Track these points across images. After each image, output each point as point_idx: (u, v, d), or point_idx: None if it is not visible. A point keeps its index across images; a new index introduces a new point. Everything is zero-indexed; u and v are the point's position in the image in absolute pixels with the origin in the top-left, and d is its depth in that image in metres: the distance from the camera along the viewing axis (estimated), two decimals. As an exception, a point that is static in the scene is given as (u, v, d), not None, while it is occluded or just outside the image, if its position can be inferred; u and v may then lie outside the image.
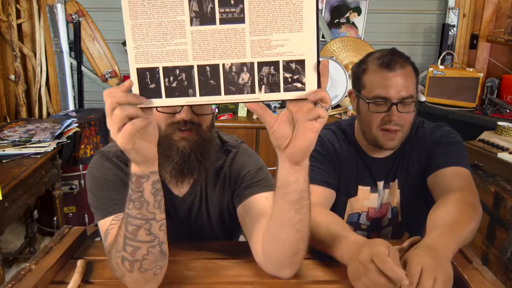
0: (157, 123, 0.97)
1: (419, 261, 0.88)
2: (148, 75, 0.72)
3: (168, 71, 0.72)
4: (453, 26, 3.04)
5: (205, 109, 1.01)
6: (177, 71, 0.72)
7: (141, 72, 0.72)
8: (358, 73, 1.31)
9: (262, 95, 0.73)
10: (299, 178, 0.82)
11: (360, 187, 1.37)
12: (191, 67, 0.72)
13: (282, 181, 0.84)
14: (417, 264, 0.87)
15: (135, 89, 0.72)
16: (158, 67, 0.72)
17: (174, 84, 0.72)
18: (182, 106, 0.95)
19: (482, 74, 2.68)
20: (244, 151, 1.15)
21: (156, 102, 0.73)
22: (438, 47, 3.11)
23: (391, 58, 1.23)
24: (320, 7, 3.06)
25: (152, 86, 0.72)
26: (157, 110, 0.95)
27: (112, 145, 1.09)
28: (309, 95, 0.73)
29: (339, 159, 1.35)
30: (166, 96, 0.73)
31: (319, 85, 0.73)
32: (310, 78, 0.73)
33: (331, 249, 1.01)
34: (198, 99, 0.73)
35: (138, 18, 0.70)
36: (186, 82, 0.72)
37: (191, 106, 0.96)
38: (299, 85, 0.73)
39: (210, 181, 1.13)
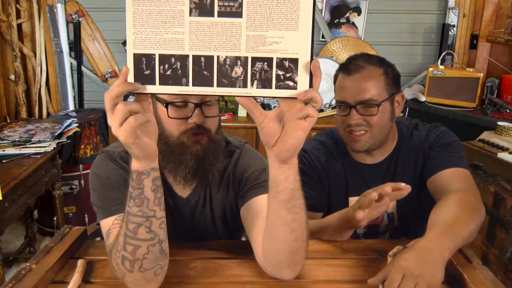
0: (169, 131, 0.98)
1: (403, 267, 0.88)
2: (144, 61, 0.74)
3: (164, 58, 0.73)
4: (453, 26, 3.04)
5: (213, 111, 1.01)
6: (173, 60, 0.73)
7: (137, 57, 0.74)
8: (334, 82, 1.35)
9: (253, 90, 0.74)
10: (288, 176, 0.82)
11: (351, 199, 1.35)
12: (187, 56, 0.73)
13: (272, 180, 0.84)
14: (399, 271, 0.87)
15: (130, 75, 0.74)
16: (154, 54, 0.73)
17: (168, 72, 0.74)
18: (193, 110, 0.97)
19: (482, 74, 2.68)
20: (248, 152, 1.16)
21: (149, 88, 0.74)
22: (438, 47, 3.11)
23: (349, 62, 1.28)
24: (320, 7, 3.06)
25: (147, 72, 0.74)
26: (168, 116, 0.97)
27: (116, 146, 1.09)
28: (300, 95, 0.73)
29: (327, 173, 1.35)
30: (160, 84, 0.74)
31: (311, 85, 0.74)
32: (302, 77, 0.73)
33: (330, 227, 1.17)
34: (190, 89, 0.74)
35: (140, 5, 0.72)
36: (180, 71, 0.74)
37: (201, 110, 0.97)
38: (291, 83, 0.74)
39: (214, 182, 1.13)
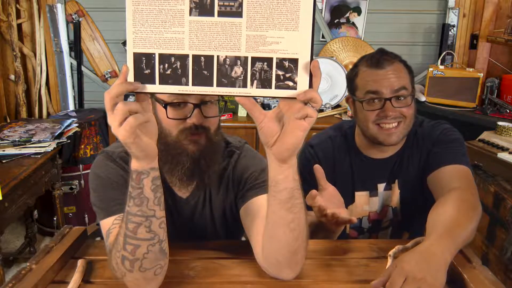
0: (168, 130, 0.98)
1: (405, 270, 0.87)
2: (144, 60, 0.74)
3: (163, 58, 0.73)
4: (453, 26, 3.04)
5: (213, 111, 1.01)
6: (173, 59, 0.73)
7: (137, 56, 0.74)
8: (351, 77, 1.33)
9: (253, 90, 0.74)
10: (287, 176, 0.83)
11: (357, 193, 1.37)
12: (186, 56, 0.73)
13: (271, 179, 0.84)
14: (401, 274, 0.87)
15: (130, 74, 0.74)
16: (154, 53, 0.73)
17: (168, 72, 0.74)
18: (192, 111, 0.96)
19: (482, 74, 2.68)
20: (247, 152, 1.16)
21: (149, 88, 0.75)
22: (438, 47, 3.11)
23: (379, 58, 1.26)
24: (320, 7, 3.06)
25: (147, 71, 0.74)
26: (167, 116, 0.96)
27: (116, 146, 1.09)
28: (299, 95, 0.73)
29: (333, 168, 1.35)
30: (160, 83, 0.74)
31: (310, 85, 0.74)
32: (302, 77, 0.73)
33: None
34: (190, 88, 0.74)
35: (139, 4, 0.72)
36: (180, 70, 0.74)
37: (200, 110, 0.97)
38: (290, 83, 0.74)
39: (213, 183, 1.12)
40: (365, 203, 1.37)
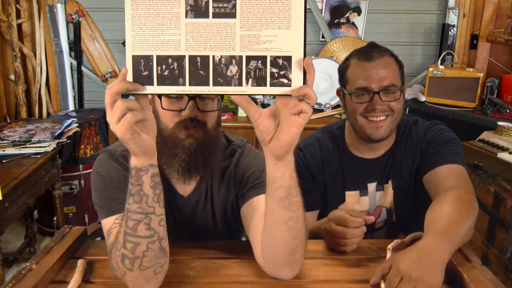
0: (164, 123, 0.99)
1: (401, 270, 0.88)
2: (142, 63, 0.76)
3: (161, 59, 0.75)
4: (453, 26, 3.04)
5: (210, 106, 1.01)
6: (170, 60, 0.76)
7: (136, 59, 0.76)
8: (342, 70, 1.34)
9: (248, 88, 0.76)
10: (284, 174, 0.83)
11: (347, 193, 1.36)
12: (183, 57, 0.75)
13: (268, 177, 0.85)
14: (397, 275, 0.88)
15: (129, 76, 0.76)
16: (152, 56, 0.76)
17: (166, 73, 0.76)
18: (187, 103, 0.98)
19: (482, 74, 2.68)
20: (249, 152, 1.16)
21: (148, 89, 0.76)
22: (438, 47, 3.11)
23: (368, 50, 1.27)
24: (320, 7, 3.06)
25: (145, 73, 0.76)
26: (162, 107, 0.97)
27: (118, 145, 1.09)
28: (294, 91, 0.74)
29: (323, 170, 1.35)
30: (158, 84, 0.76)
31: (305, 82, 0.75)
32: (296, 74, 0.75)
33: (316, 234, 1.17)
34: (187, 89, 0.76)
35: (138, 9, 0.75)
36: (177, 71, 0.76)
37: (196, 103, 0.98)
38: (285, 80, 0.75)
39: (215, 181, 1.13)
40: (355, 203, 1.37)
